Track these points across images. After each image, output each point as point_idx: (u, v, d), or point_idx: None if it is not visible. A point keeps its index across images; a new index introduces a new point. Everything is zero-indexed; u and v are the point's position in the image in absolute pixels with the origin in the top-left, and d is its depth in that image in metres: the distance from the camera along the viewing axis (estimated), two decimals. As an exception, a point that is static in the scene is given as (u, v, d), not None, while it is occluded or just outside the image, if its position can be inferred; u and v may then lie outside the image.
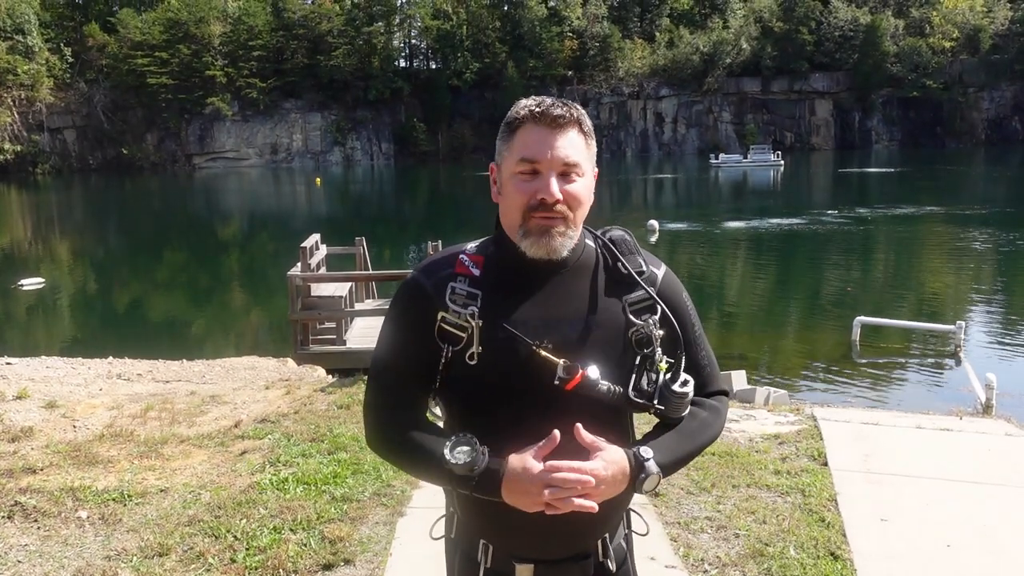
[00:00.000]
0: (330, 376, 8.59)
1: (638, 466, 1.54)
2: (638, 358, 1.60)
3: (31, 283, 18.87)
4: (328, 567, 3.73)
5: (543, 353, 1.53)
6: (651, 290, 1.63)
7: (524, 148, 1.56)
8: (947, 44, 79.92)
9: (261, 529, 4.09)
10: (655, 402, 1.57)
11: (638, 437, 1.69)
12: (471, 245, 1.69)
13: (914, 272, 19.40)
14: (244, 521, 4.18)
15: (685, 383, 1.59)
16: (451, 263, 1.64)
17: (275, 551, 3.83)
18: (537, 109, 1.57)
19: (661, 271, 1.70)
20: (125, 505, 4.47)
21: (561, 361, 1.52)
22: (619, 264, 1.64)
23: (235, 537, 4.00)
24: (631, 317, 1.61)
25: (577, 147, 1.58)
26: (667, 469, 1.58)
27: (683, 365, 1.62)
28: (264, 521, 4.19)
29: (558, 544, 1.63)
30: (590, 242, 1.68)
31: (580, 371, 1.52)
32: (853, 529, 4.09)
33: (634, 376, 1.58)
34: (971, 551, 3.89)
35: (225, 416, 6.43)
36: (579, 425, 1.51)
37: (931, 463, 5.05)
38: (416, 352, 1.62)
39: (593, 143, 1.64)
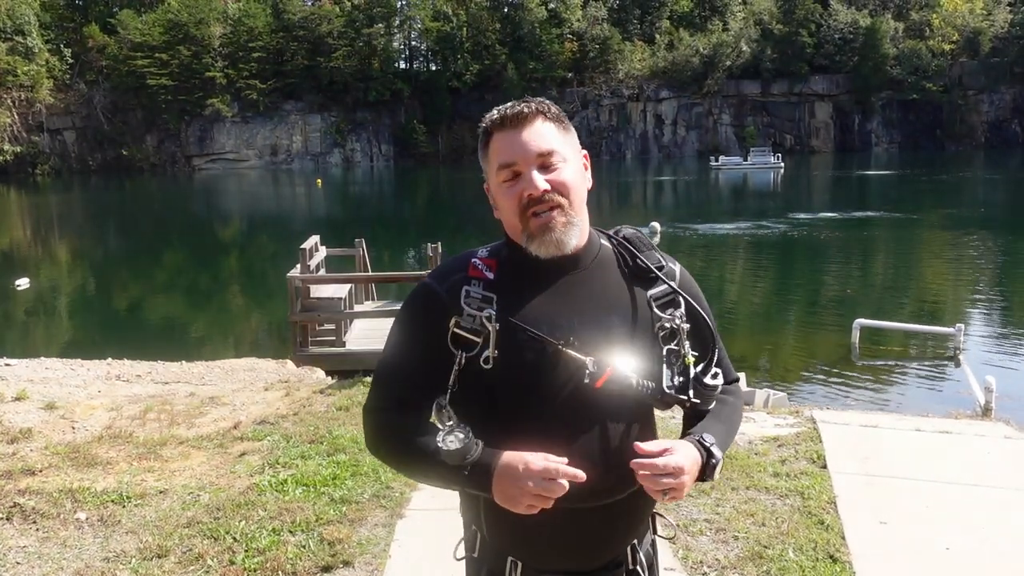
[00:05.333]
0: (329, 378, 8.59)
1: (707, 453, 1.54)
2: (664, 352, 1.59)
3: (21, 283, 18.94)
4: (327, 569, 3.73)
5: (570, 352, 1.51)
6: (673, 283, 1.64)
7: (498, 155, 1.57)
8: (947, 47, 79.90)
9: (260, 531, 4.09)
10: (690, 395, 1.56)
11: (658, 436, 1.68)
12: (483, 250, 1.66)
13: (914, 275, 19.39)
14: (243, 523, 4.19)
15: (716, 375, 1.59)
16: (463, 267, 1.62)
17: (274, 553, 3.83)
18: (497, 116, 1.58)
19: (677, 267, 1.70)
20: (124, 507, 4.47)
21: (589, 357, 1.50)
22: (638, 260, 1.63)
23: (234, 539, 4.00)
24: (656, 311, 1.61)
25: (546, 135, 1.57)
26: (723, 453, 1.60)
27: (716, 358, 1.62)
28: (263, 523, 4.19)
29: (589, 554, 1.60)
30: (605, 242, 1.68)
31: (609, 366, 1.50)
32: (852, 532, 4.09)
33: (664, 370, 1.57)
34: (970, 554, 3.89)
35: (224, 418, 6.43)
36: (637, 443, 1.50)
37: (930, 466, 5.05)
38: (425, 358, 1.59)
39: (567, 127, 1.62)
